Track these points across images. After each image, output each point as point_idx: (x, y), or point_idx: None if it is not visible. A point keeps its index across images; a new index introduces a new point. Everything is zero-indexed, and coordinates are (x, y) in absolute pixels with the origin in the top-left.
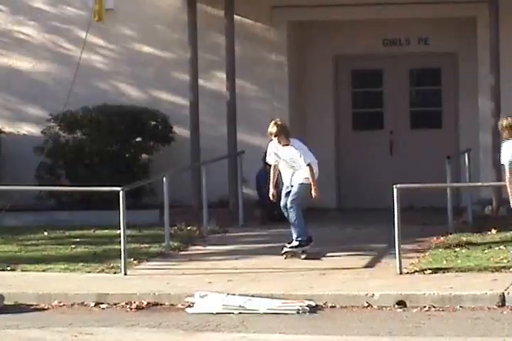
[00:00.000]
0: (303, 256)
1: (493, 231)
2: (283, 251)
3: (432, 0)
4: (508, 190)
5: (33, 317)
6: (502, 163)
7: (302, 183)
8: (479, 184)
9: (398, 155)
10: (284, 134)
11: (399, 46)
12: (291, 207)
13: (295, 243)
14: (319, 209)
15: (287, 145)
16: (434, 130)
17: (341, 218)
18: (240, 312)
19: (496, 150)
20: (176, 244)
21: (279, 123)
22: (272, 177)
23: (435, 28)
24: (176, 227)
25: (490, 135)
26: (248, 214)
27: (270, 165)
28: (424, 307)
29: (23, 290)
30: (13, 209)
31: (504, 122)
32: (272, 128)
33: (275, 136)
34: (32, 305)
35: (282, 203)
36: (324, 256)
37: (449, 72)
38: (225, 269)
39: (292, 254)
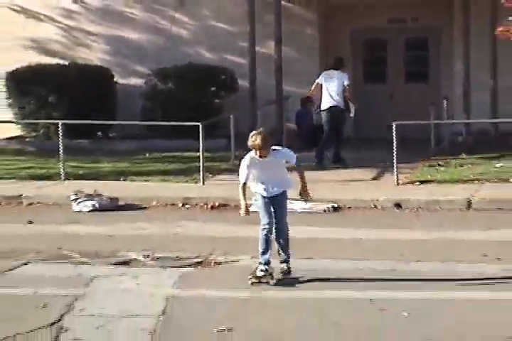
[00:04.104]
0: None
1: (463, 154)
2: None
3: None
4: None
5: (139, 213)
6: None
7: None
8: (453, 121)
9: (396, 101)
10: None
11: (399, 23)
12: None
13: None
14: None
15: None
16: (422, 84)
17: (358, 144)
18: None
19: (465, 98)
20: (239, 162)
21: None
22: None
23: (424, 10)
24: (239, 151)
25: (461, 88)
26: (290, 142)
27: (304, 106)
28: (414, 208)
29: (132, 195)
30: (124, 137)
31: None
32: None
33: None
34: (138, 205)
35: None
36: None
37: (434, 41)
38: None
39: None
